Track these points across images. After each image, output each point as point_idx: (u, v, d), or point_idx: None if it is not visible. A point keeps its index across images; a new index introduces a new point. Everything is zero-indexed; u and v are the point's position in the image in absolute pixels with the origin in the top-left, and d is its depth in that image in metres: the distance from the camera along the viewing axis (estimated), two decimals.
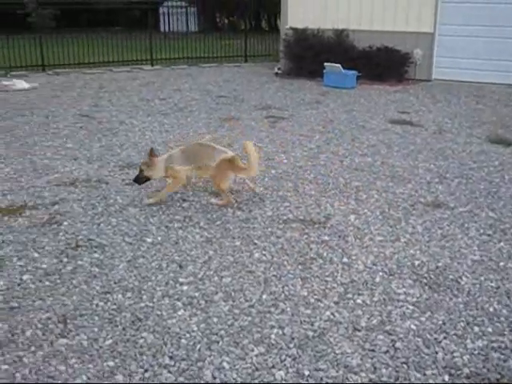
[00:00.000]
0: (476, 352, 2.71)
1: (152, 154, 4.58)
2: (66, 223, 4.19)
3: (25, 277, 3.41)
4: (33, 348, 2.73)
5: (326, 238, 3.97)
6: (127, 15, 24.88)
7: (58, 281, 3.37)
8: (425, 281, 3.39)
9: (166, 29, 17.36)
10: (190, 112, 8.23)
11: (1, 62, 12.99)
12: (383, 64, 10.97)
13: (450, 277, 3.44)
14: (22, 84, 10.66)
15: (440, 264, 3.60)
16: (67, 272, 3.47)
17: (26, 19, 19.31)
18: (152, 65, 14.31)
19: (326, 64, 10.63)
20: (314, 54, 11.29)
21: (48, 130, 7.16)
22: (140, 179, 4.64)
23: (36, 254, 3.70)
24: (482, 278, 3.43)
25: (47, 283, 3.34)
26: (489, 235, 4.04)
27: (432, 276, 3.45)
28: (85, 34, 14.83)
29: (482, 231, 4.11)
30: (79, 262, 3.59)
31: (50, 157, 5.93)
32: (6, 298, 3.18)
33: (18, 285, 3.32)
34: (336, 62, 10.52)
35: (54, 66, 13.43)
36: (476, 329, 2.89)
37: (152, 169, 4.57)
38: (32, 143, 6.50)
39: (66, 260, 3.63)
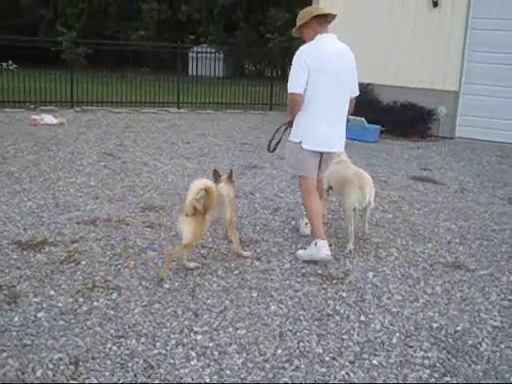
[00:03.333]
0: None
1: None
2: (83, 262, 4.20)
3: (39, 314, 3.41)
4: None
5: (344, 294, 3.92)
6: (156, 57, 25.43)
7: (73, 321, 3.36)
8: (443, 345, 3.32)
9: (194, 73, 17.69)
10: (213, 157, 8.30)
11: (32, 96, 13.28)
12: (407, 120, 11.02)
13: (469, 342, 3.37)
14: (50, 119, 10.87)
15: (459, 328, 3.53)
16: (82, 312, 3.46)
17: (59, 56, 19.82)
18: (178, 108, 14.53)
19: (349, 117, 10.68)
20: None
21: (72, 166, 7.26)
22: None
23: (52, 292, 3.70)
24: (503, 346, 3.34)
25: (61, 322, 3.33)
26: (510, 300, 3.96)
27: (450, 340, 3.38)
28: (114, 74, 15.15)
29: (502, 296, 4.03)
30: (95, 303, 3.58)
31: (72, 193, 5.99)
32: (19, 334, 3.17)
33: (33, 322, 3.32)
34: (360, 116, 10.59)
35: (83, 103, 13.70)
36: None
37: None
38: (56, 178, 6.58)
39: (81, 300, 3.62)
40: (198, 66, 17.09)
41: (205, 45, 24.03)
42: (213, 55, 17.33)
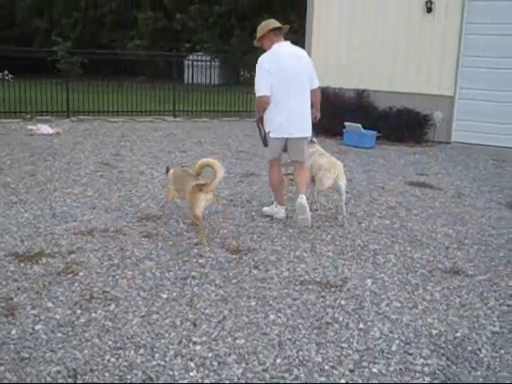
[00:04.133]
0: None
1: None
2: (81, 273, 4.18)
3: (37, 327, 3.39)
4: None
5: (343, 302, 3.91)
6: (151, 65, 25.43)
7: (71, 333, 3.34)
8: (442, 351, 3.31)
9: (190, 81, 17.70)
10: None
11: (27, 106, 13.28)
12: (403, 125, 11.04)
13: (469, 348, 3.36)
14: (46, 129, 10.87)
15: (458, 334, 3.52)
16: (80, 324, 3.44)
17: (55, 66, 19.81)
18: (174, 116, 14.52)
19: (346, 123, 10.73)
20: (333, 113, 11.39)
21: (69, 176, 7.24)
22: None
23: (50, 304, 3.69)
24: (503, 352, 3.34)
25: (59, 335, 3.31)
26: (508, 306, 3.96)
27: (450, 347, 3.37)
28: (110, 83, 15.15)
29: (501, 301, 4.03)
30: (93, 315, 3.56)
31: (69, 204, 5.98)
32: (17, 347, 3.15)
33: (30, 334, 3.30)
34: (356, 122, 10.61)
35: (79, 112, 13.71)
36: None
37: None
38: (52, 189, 6.57)
39: (79, 312, 3.60)
40: (194, 73, 17.12)
41: (200, 53, 24.05)
42: (208, 63, 17.35)
